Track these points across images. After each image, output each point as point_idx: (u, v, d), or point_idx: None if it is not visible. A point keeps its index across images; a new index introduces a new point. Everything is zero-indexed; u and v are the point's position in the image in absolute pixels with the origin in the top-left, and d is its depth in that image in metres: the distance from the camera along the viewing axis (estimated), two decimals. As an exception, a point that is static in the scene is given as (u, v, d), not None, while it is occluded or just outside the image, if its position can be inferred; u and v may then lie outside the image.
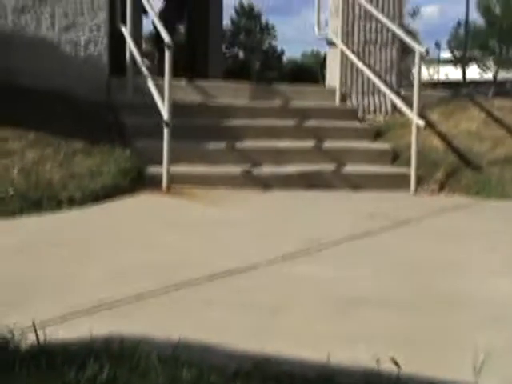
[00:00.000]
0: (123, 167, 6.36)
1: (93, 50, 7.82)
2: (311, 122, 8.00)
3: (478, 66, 60.07)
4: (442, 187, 7.17)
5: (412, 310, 3.53)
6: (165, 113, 6.43)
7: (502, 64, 59.72)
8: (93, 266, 4.10)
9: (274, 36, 57.36)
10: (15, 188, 5.59)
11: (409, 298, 3.73)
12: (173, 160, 6.47)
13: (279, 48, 58.39)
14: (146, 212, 5.75)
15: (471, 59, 55.35)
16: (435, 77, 59.04)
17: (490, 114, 8.57)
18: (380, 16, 8.41)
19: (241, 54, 55.29)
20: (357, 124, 8.38)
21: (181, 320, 3.24)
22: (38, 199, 5.51)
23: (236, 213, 5.76)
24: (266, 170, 7.05)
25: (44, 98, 7.20)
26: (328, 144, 7.65)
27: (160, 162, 6.40)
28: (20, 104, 6.96)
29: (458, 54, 57.54)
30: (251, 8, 54.25)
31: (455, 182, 7.23)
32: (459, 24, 55.86)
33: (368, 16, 8.70)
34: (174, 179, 6.45)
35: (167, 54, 6.47)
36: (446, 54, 62.46)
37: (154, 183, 6.39)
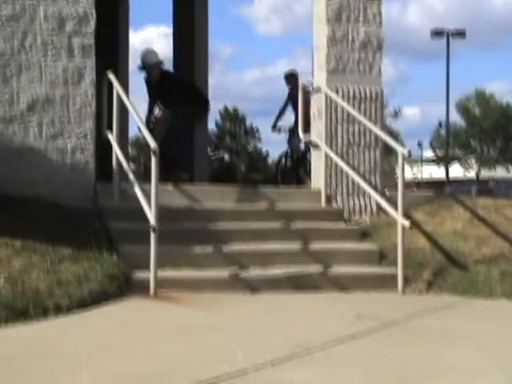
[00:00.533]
0: (110, 273, 6.34)
1: (79, 157, 7.91)
2: (297, 224, 8.05)
3: (461, 165, 61.03)
4: (429, 287, 7.17)
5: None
6: (151, 218, 6.46)
7: (483, 163, 60.73)
8: (80, 376, 4.04)
9: (259, 138, 58.20)
10: (1, 297, 5.55)
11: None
12: (160, 264, 6.46)
13: (264, 150, 58.97)
14: (134, 318, 5.70)
15: (453, 158, 56.27)
16: (419, 176, 59.80)
17: (474, 212, 8.66)
18: (362, 119, 8.58)
19: (226, 157, 55.91)
20: (343, 225, 8.43)
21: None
22: (24, 308, 5.46)
23: (224, 317, 5.72)
24: (254, 272, 7.04)
25: (31, 205, 7.23)
26: (315, 245, 7.67)
27: (147, 267, 6.39)
28: (6, 212, 6.97)
29: (440, 153, 58.57)
30: (236, 112, 55.08)
31: (442, 282, 7.23)
32: (440, 124, 57.08)
33: (351, 119, 8.88)
34: (161, 284, 6.42)
35: (153, 160, 6.54)
36: (428, 154, 63.53)
37: (141, 288, 6.36)
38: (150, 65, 9.59)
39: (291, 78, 12.18)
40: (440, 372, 4.29)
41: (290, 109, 12.30)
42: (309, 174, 11.22)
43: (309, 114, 9.55)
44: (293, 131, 11.81)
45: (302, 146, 11.76)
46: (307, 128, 10.27)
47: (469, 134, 60.13)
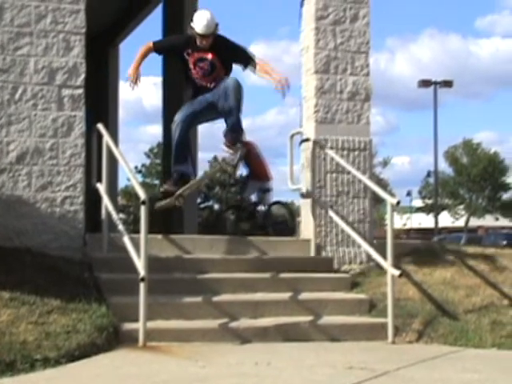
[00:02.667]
0: (99, 324, 6.30)
1: (69, 208, 7.90)
2: (287, 274, 8.03)
3: (450, 214, 61.20)
4: (419, 336, 7.15)
5: None
6: (141, 268, 6.45)
7: (472, 211, 60.96)
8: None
9: (249, 188, 58.24)
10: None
11: None
12: (149, 315, 6.43)
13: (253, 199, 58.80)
14: (122, 370, 5.65)
15: (442, 207, 56.52)
16: (408, 224, 59.93)
17: (463, 262, 8.68)
18: (351, 168, 8.63)
19: (216, 206, 55.85)
20: (332, 275, 8.41)
21: None
22: (11, 360, 5.41)
23: (214, 368, 5.67)
24: (243, 323, 7.01)
25: (19, 256, 7.22)
26: (304, 295, 7.66)
27: (136, 318, 6.36)
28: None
29: (429, 202, 58.82)
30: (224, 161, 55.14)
31: (432, 331, 7.21)
32: (429, 174, 57.45)
33: (339, 168, 8.92)
34: (150, 335, 6.39)
35: (143, 210, 6.55)
36: (418, 202, 63.78)
37: (130, 339, 6.33)
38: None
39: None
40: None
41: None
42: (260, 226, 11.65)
43: (262, 165, 11.75)
44: (245, 183, 12.38)
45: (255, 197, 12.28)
46: (262, 177, 11.92)
47: (457, 183, 60.49)
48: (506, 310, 7.66)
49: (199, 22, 8.03)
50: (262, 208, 12.17)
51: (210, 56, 8.14)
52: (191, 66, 8.19)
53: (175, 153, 8.38)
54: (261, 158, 12.18)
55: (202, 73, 8.20)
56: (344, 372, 5.60)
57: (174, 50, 8.46)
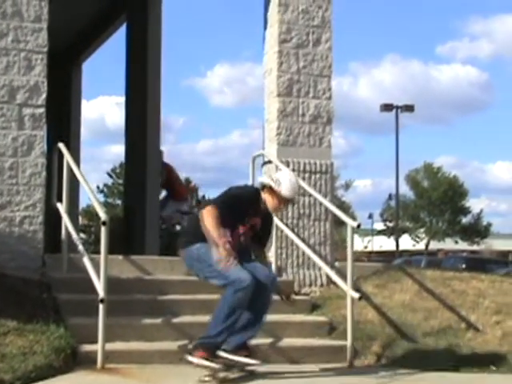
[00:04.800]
0: (57, 346, 6.23)
1: (28, 228, 7.81)
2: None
3: (410, 237, 61.67)
4: (378, 359, 7.18)
5: None
6: (100, 290, 6.38)
7: (432, 235, 61.53)
8: None
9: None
10: None
11: None
12: (108, 337, 6.37)
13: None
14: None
15: (403, 230, 56.95)
16: (370, 247, 60.19)
17: (422, 285, 8.74)
18: (312, 191, 8.66)
19: (177, 228, 55.68)
20: (293, 297, 8.40)
21: None
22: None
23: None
24: (203, 345, 6.97)
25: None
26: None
27: (95, 339, 6.29)
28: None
29: (390, 224, 59.22)
30: (188, 182, 55.12)
31: (391, 354, 7.25)
32: (390, 197, 57.89)
33: (301, 191, 8.93)
34: (109, 357, 6.33)
35: (103, 231, 6.50)
36: (379, 225, 64.14)
37: (88, 362, 6.26)
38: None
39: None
40: None
41: None
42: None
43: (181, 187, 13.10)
44: (165, 203, 13.26)
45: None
46: (180, 198, 12.90)
47: (418, 206, 61.02)
48: (464, 333, 7.72)
49: (292, 185, 6.52)
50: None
51: (258, 221, 6.56)
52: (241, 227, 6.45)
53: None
54: (179, 181, 13.42)
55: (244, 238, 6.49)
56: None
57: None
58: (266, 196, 6.49)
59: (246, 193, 6.54)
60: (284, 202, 6.55)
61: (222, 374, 6.09)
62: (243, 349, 6.20)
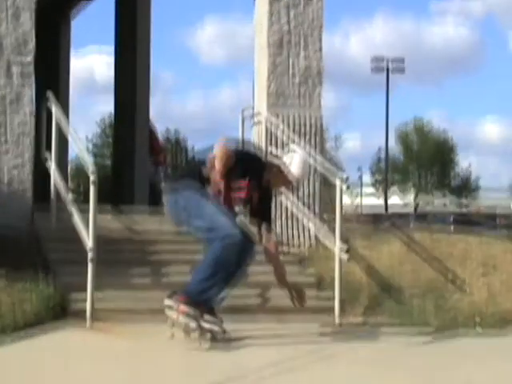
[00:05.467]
0: (46, 300, 6.27)
1: (17, 183, 7.80)
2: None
3: (399, 194, 61.72)
4: (365, 318, 7.22)
5: None
6: (89, 245, 6.36)
7: (421, 189, 61.66)
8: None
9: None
10: None
11: None
12: (97, 291, 6.36)
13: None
14: (68, 348, 5.63)
15: (392, 183, 57.00)
16: (358, 208, 60.17)
17: (410, 245, 8.78)
18: (302, 145, 8.61)
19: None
20: (281, 257, 8.42)
21: None
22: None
23: (160, 346, 5.67)
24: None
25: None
26: (252, 275, 7.66)
27: (84, 294, 6.30)
28: None
29: (379, 178, 59.31)
30: (177, 135, 54.92)
31: (378, 311, 7.32)
32: (380, 150, 57.91)
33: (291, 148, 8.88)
34: (98, 312, 6.34)
35: (92, 184, 6.44)
36: (368, 180, 64.15)
37: (77, 317, 6.28)
38: None
39: None
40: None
41: None
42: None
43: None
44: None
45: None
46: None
47: (407, 159, 61.12)
48: (450, 293, 7.79)
49: (304, 168, 6.41)
50: None
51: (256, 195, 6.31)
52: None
53: None
54: (155, 135, 14.60)
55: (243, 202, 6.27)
56: (290, 351, 5.67)
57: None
58: (272, 174, 6.32)
59: (257, 157, 6.49)
60: (289, 182, 6.49)
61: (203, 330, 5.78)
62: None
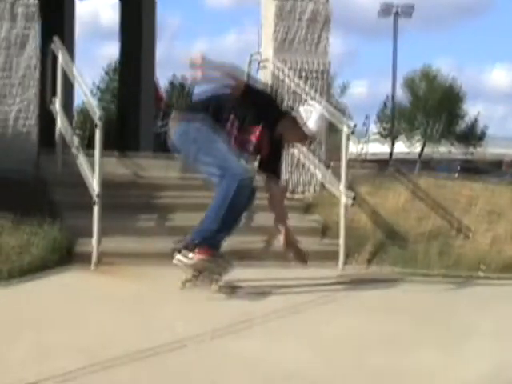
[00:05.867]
0: (52, 244, 6.30)
1: (22, 127, 7.80)
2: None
3: (405, 141, 61.42)
4: (370, 262, 7.27)
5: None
6: (95, 188, 6.39)
7: (428, 138, 61.33)
8: (17, 345, 4.03)
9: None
10: None
11: (336, 374, 3.76)
12: (103, 235, 6.41)
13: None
14: (74, 290, 5.67)
15: (399, 132, 56.71)
16: (364, 153, 59.96)
17: (415, 190, 8.79)
18: (307, 90, 8.60)
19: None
20: (286, 201, 8.44)
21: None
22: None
23: (166, 290, 5.71)
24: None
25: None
26: (259, 219, 7.69)
27: (90, 238, 6.34)
28: None
29: (386, 128, 59.00)
30: (184, 80, 54.50)
31: (383, 257, 7.34)
32: (386, 103, 57.49)
33: (298, 90, 8.85)
34: (104, 255, 6.39)
35: (98, 130, 6.45)
36: (374, 134, 63.79)
37: (83, 260, 6.33)
38: None
39: None
40: (378, 344, 4.39)
41: None
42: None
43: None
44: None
45: None
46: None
47: (414, 107, 60.64)
48: (454, 238, 7.82)
49: (320, 122, 6.09)
50: None
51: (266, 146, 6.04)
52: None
53: None
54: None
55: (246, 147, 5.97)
56: (294, 295, 5.71)
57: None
58: (286, 125, 5.97)
59: (275, 102, 6.04)
60: (304, 137, 6.08)
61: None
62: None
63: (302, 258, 6.28)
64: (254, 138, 5.87)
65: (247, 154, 6.00)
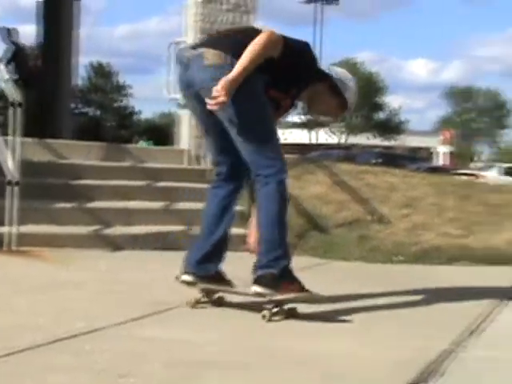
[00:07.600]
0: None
1: None
2: (161, 183, 8.03)
3: (329, 130, 62.14)
4: (291, 248, 7.30)
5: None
6: (13, 172, 6.29)
7: (351, 129, 62.19)
8: None
9: (127, 95, 57.37)
10: None
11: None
12: (20, 220, 6.33)
13: (137, 108, 58.30)
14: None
15: (319, 124, 57.32)
16: (285, 139, 60.36)
17: (336, 177, 8.89)
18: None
19: (96, 113, 54.93)
20: (206, 185, 8.44)
21: (22, 386, 3.15)
22: None
23: (83, 274, 5.66)
24: (117, 230, 7.01)
25: None
26: (179, 205, 7.68)
27: (8, 222, 6.25)
28: None
29: (306, 118, 59.47)
30: (106, 67, 53.96)
31: (304, 244, 7.40)
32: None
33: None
34: (20, 240, 6.32)
35: (15, 112, 6.35)
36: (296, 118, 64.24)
37: (0, 244, 6.23)
38: None
39: None
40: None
41: None
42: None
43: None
44: None
45: None
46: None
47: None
48: (373, 225, 7.94)
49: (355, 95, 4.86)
50: None
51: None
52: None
53: None
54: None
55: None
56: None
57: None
58: (319, 89, 4.71)
59: (315, 61, 4.70)
60: (339, 108, 4.85)
61: None
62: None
63: None
64: (284, 104, 4.66)
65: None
